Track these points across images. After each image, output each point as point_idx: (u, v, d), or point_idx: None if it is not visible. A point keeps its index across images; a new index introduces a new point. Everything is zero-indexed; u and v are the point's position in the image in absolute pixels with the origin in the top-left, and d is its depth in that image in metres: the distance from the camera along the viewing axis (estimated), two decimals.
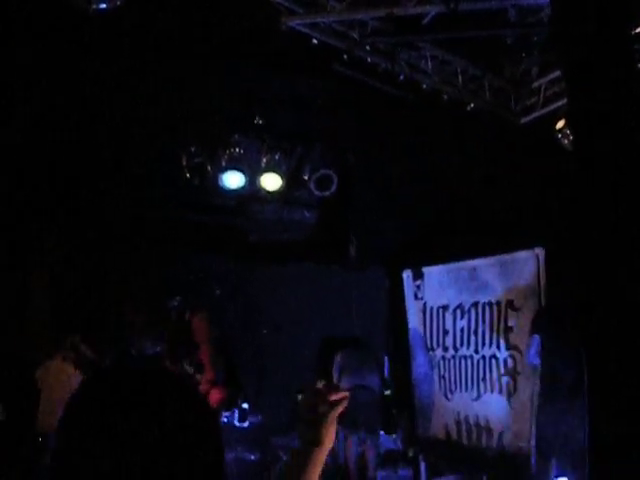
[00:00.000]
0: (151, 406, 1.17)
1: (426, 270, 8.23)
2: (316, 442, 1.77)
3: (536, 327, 6.26)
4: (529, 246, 7.01)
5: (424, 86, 6.65)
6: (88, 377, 1.27)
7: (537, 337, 6.08)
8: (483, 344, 7.49)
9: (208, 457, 1.19)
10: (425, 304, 8.23)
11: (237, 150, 7.86)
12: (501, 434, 7.07)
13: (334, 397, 1.82)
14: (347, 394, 1.86)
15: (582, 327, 3.23)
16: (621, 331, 3.00)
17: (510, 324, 7.16)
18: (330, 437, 1.80)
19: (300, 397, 1.92)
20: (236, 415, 7.66)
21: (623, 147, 3.13)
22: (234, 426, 7.62)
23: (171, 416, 1.17)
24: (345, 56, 6.36)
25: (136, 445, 1.13)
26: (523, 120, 7.16)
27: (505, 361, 7.15)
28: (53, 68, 5.99)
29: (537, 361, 6.23)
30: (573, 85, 3.42)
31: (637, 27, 5.32)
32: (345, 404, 1.83)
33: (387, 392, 8.26)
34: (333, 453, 7.49)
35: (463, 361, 7.67)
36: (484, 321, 7.53)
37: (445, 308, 7.97)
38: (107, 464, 1.11)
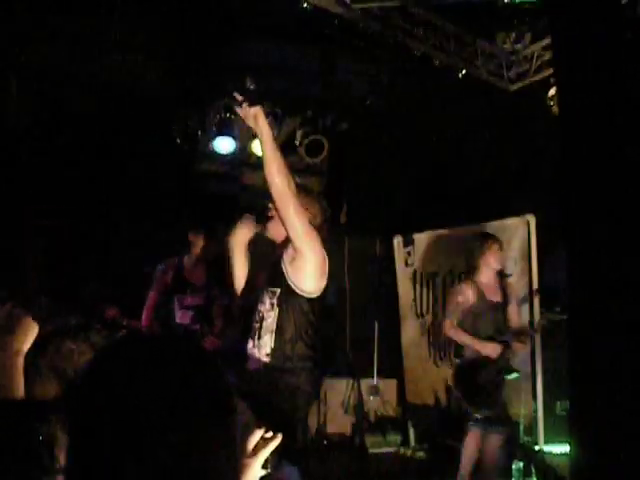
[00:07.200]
0: (164, 370, 1.17)
1: (416, 236, 8.23)
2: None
3: None
4: (520, 213, 7.02)
5: (415, 52, 6.60)
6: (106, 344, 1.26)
7: None
8: None
9: (221, 420, 1.20)
10: (415, 271, 8.25)
11: (228, 115, 7.80)
12: None
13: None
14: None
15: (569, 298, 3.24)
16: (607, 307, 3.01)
17: None
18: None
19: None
20: None
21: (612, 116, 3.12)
22: None
23: (183, 380, 1.17)
24: (336, 21, 6.30)
25: (151, 414, 1.12)
26: (514, 87, 7.12)
27: None
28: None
29: None
30: (561, 51, 3.39)
31: None
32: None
33: None
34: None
35: None
36: None
37: (435, 275, 7.99)
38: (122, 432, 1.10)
